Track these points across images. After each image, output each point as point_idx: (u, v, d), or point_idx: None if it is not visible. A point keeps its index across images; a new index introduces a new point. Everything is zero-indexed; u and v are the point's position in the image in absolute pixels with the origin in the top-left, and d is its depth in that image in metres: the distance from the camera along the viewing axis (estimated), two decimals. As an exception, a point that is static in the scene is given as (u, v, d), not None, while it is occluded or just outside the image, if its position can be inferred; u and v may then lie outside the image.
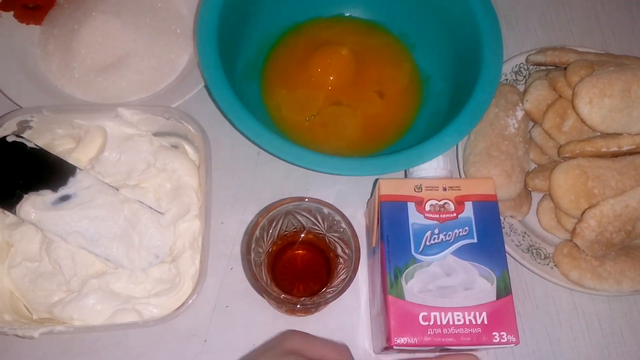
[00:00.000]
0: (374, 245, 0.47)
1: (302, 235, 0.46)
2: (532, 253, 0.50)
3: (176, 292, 0.45)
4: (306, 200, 0.41)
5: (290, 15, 0.56)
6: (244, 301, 0.49)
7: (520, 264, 0.49)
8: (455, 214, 0.44)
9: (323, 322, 0.49)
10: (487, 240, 0.43)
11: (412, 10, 0.55)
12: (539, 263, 0.49)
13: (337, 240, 0.44)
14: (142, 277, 0.45)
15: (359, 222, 0.52)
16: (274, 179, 0.54)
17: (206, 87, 0.53)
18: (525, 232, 0.51)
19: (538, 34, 0.63)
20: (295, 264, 0.48)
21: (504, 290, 0.41)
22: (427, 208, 0.44)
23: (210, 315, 0.49)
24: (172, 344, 0.48)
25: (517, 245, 0.50)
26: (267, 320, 0.49)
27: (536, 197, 0.53)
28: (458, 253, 0.42)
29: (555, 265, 0.50)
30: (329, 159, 0.44)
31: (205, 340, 0.48)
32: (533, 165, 0.54)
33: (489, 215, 0.44)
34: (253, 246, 0.40)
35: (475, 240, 0.43)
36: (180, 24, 0.56)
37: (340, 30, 0.57)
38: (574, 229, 0.47)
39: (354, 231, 0.41)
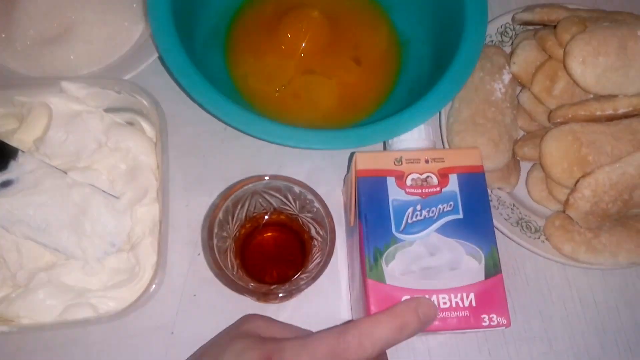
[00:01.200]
0: (352, 224, 0.43)
1: (273, 216, 0.42)
2: (522, 226, 0.46)
3: (135, 282, 0.41)
4: (270, 178, 0.37)
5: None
6: (213, 289, 0.45)
7: (510, 238, 0.46)
8: (438, 188, 0.40)
9: (300, 308, 0.45)
10: (474, 215, 0.39)
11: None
12: (529, 237, 0.46)
13: (310, 221, 0.40)
14: (97, 268, 0.41)
15: (337, 200, 0.48)
16: (242, 157, 0.50)
17: (160, 57, 0.48)
18: (514, 205, 0.48)
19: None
20: (267, 248, 0.44)
21: (493, 268, 0.38)
22: (409, 182, 0.40)
23: (177, 306, 0.45)
24: (137, 339, 0.44)
25: (505, 219, 0.46)
26: (239, 308, 0.45)
27: (525, 167, 0.50)
28: (443, 230, 0.39)
29: (546, 239, 0.46)
30: (298, 131, 0.39)
31: (172, 333, 0.44)
32: (522, 133, 0.50)
33: (475, 188, 0.40)
34: (216, 231, 0.36)
35: (461, 216, 0.39)
36: (135, -13, 0.51)
37: None
38: (567, 199, 0.44)
39: (328, 210, 0.37)
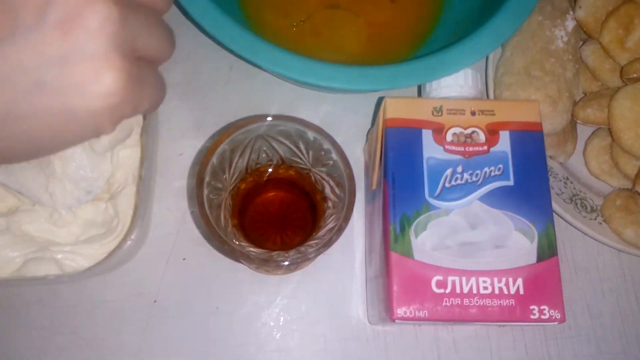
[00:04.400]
0: (374, 187, 0.36)
1: (280, 170, 0.35)
2: (576, 204, 0.39)
3: (112, 238, 0.34)
4: (277, 118, 0.30)
5: None
6: (205, 252, 0.38)
7: (561, 217, 0.38)
8: (486, 147, 0.32)
9: (306, 283, 0.39)
10: (528, 182, 0.32)
11: None
12: (585, 217, 0.38)
13: (325, 177, 0.33)
14: (67, 218, 0.34)
15: (357, 159, 0.41)
16: (250, 101, 0.42)
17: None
18: (567, 178, 0.40)
19: None
20: (271, 209, 0.37)
21: (547, 249, 0.31)
22: (449, 138, 0.33)
23: (163, 270, 0.38)
24: (112, 304, 0.37)
25: (557, 194, 0.39)
26: (234, 276, 0.38)
27: (583, 134, 0.42)
28: (488, 199, 0.31)
29: (604, 221, 0.39)
30: (317, 65, 0.32)
31: (155, 301, 0.38)
32: (582, 95, 0.42)
33: (531, 150, 0.33)
34: (207, 180, 0.29)
35: (511, 183, 0.32)
36: None
37: None
38: (639, 173, 0.36)
39: (348, 163, 0.30)
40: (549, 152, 0.40)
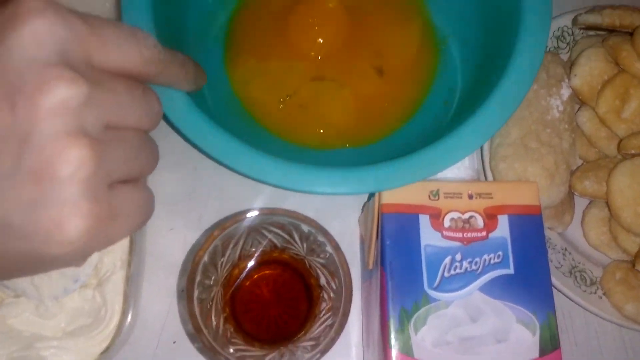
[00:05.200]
0: (370, 267, 0.35)
1: (274, 254, 0.34)
2: (576, 277, 0.38)
3: (100, 330, 0.33)
4: (268, 212, 0.29)
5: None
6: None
7: (561, 292, 0.38)
8: (484, 233, 0.32)
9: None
10: (528, 270, 0.31)
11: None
12: (584, 292, 0.38)
13: (320, 267, 0.32)
14: (54, 309, 0.33)
15: (353, 232, 0.40)
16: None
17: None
18: (566, 249, 0.39)
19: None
20: (264, 288, 0.36)
21: (550, 342, 0.30)
22: (447, 223, 0.32)
23: (152, 354, 0.37)
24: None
25: (556, 267, 0.38)
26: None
27: (580, 201, 0.41)
28: (488, 288, 0.31)
29: (604, 294, 0.38)
30: (294, 169, 0.30)
31: (145, 386, 0.36)
32: (579, 162, 0.42)
33: (530, 235, 0.32)
34: (199, 279, 0.28)
35: (511, 271, 0.31)
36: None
37: None
38: (639, 252, 0.36)
39: (344, 260, 0.29)
40: (546, 224, 0.39)
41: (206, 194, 0.41)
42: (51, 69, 0.19)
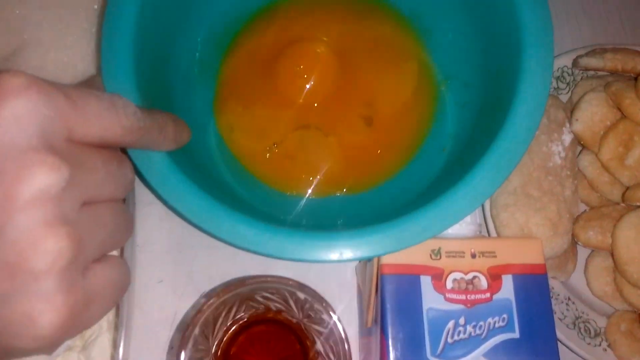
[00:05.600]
0: (369, 325, 0.33)
1: (268, 315, 0.32)
2: (580, 329, 0.37)
3: (84, 399, 0.31)
4: (261, 282, 0.28)
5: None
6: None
7: (565, 345, 0.36)
8: (489, 294, 0.31)
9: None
10: (534, 334, 0.30)
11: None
12: (589, 344, 0.37)
13: (316, 331, 0.30)
14: (36, 375, 0.31)
15: (349, 283, 0.39)
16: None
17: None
18: (569, 299, 0.38)
19: (581, 23, 0.49)
20: (258, 346, 0.35)
21: (558, 411, 0.29)
22: (449, 285, 0.31)
23: (140, 417, 0.35)
24: None
25: (560, 319, 0.37)
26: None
27: (583, 249, 0.40)
28: (493, 354, 0.29)
29: (609, 346, 0.37)
30: (282, 236, 0.28)
31: None
32: (582, 207, 0.41)
33: (535, 296, 0.31)
34: (189, 354, 0.26)
35: (517, 335, 0.30)
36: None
37: (323, 14, 0.40)
38: (646, 308, 0.35)
39: (344, 336, 0.28)
40: (549, 274, 0.38)
41: (197, 244, 0.39)
42: (32, 154, 0.19)
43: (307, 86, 0.38)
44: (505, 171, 0.30)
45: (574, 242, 0.39)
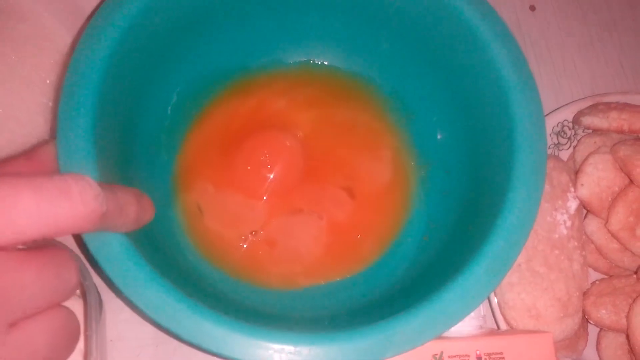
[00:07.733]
0: None
1: None
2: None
3: None
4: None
5: (228, 61, 0.36)
6: None
7: None
8: (497, 404, 0.28)
9: None
10: None
11: (411, 61, 0.36)
12: None
13: None
14: None
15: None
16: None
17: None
18: (582, 379, 0.35)
19: (579, 70, 0.46)
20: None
21: None
22: (454, 394, 0.28)
23: None
24: None
25: (574, 405, 0.34)
26: None
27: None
28: None
29: None
30: (257, 336, 0.24)
31: None
32: (591, 273, 0.38)
33: (549, 402, 0.28)
34: None
35: None
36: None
37: (300, 94, 0.37)
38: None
39: None
40: (560, 353, 0.35)
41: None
42: None
43: (271, 176, 0.35)
44: (501, 273, 0.27)
45: (584, 317, 0.36)
